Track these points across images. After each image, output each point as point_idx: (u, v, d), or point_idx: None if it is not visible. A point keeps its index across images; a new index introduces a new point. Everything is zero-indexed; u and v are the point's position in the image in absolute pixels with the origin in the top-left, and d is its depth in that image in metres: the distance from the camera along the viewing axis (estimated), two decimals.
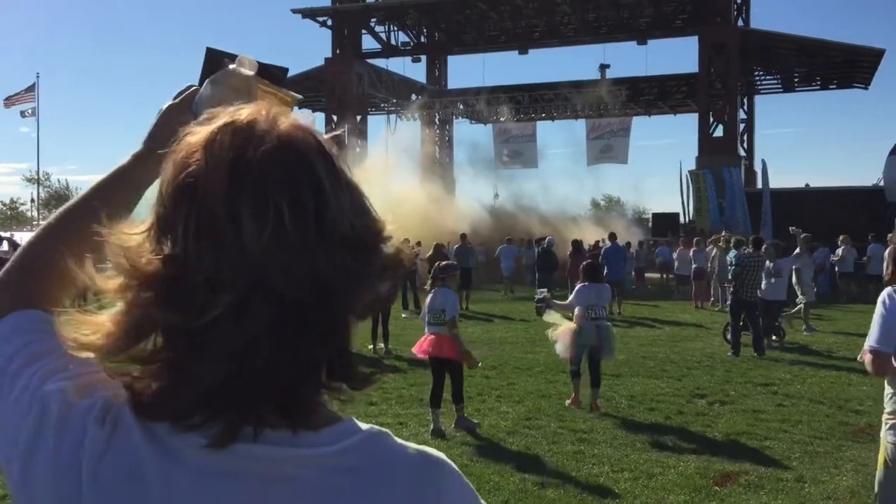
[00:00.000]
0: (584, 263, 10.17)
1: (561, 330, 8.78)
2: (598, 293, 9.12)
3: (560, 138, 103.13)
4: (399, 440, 0.88)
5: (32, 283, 1.04)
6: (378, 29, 41.31)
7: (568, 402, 8.97)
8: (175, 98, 1.14)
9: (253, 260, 0.79)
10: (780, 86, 43.30)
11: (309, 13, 38.51)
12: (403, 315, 17.94)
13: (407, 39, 42.33)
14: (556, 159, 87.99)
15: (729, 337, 13.55)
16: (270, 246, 0.79)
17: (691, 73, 38.62)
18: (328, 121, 42.54)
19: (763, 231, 28.51)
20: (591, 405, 8.72)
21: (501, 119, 41.07)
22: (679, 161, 36.28)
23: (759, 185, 33.83)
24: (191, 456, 0.82)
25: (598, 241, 25.71)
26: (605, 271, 14.42)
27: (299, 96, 1.16)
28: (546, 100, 41.19)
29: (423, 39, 42.79)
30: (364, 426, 0.87)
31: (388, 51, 41.50)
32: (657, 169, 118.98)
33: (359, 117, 40.56)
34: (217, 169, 0.81)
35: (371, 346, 13.60)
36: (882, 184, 32.43)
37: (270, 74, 1.13)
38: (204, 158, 0.83)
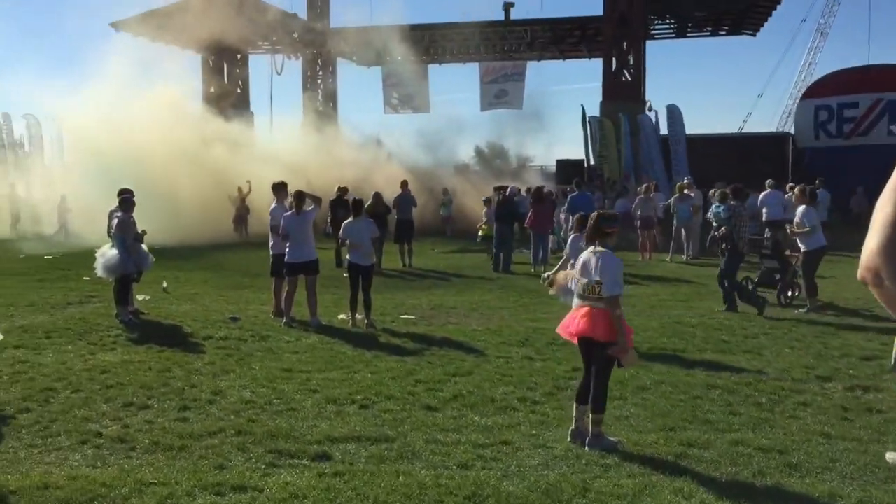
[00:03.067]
0: (577, 215, 9.50)
1: (559, 280, 7.68)
2: None
3: (453, 83, 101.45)
4: None
5: None
6: None
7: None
8: None
9: None
10: (672, 31, 42.50)
11: None
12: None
13: None
14: (450, 105, 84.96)
15: (744, 298, 11.92)
16: None
17: (589, 15, 37.17)
18: (204, 62, 38.41)
19: (676, 177, 27.58)
20: None
21: (395, 59, 38.07)
22: (581, 106, 34.88)
23: (664, 130, 32.89)
24: None
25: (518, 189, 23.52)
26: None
27: None
28: (444, 40, 38.62)
29: None
30: None
31: None
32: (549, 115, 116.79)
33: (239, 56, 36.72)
34: None
35: (345, 317, 11.04)
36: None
37: None
38: None
